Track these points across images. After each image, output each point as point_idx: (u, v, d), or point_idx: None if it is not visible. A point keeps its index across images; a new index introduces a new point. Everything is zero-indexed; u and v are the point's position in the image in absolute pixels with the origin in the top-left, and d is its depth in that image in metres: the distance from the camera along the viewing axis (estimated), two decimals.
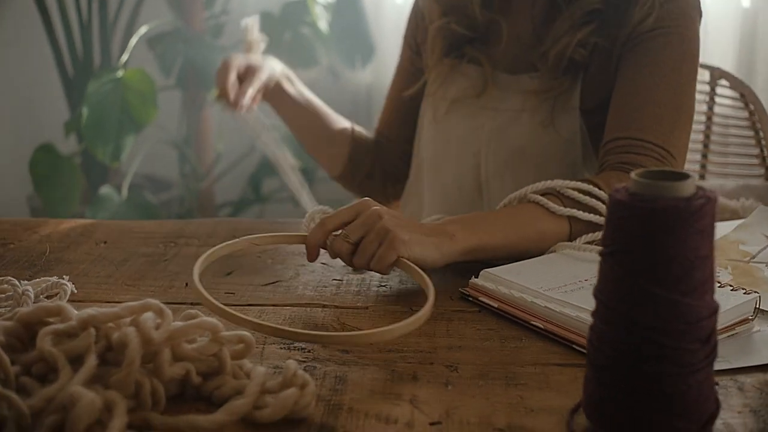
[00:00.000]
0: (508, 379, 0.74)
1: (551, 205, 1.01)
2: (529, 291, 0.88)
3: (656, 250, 0.60)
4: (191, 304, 0.92)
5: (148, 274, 1.02)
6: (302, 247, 1.00)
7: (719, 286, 0.86)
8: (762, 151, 1.69)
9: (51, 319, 0.71)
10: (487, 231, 0.98)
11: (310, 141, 1.49)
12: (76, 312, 0.70)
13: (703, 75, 1.76)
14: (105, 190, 2.53)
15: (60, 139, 2.71)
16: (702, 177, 1.75)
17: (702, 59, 2.44)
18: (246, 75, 1.33)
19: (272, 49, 2.93)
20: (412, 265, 0.91)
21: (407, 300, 0.94)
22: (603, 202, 1.01)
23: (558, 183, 1.03)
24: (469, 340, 0.83)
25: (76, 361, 0.66)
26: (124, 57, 2.61)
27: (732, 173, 1.73)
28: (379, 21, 3.04)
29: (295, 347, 0.81)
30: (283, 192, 2.88)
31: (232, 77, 1.31)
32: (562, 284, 0.89)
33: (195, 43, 2.81)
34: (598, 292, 0.64)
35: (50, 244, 1.13)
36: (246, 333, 0.72)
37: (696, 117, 1.76)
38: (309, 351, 0.80)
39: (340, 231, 0.95)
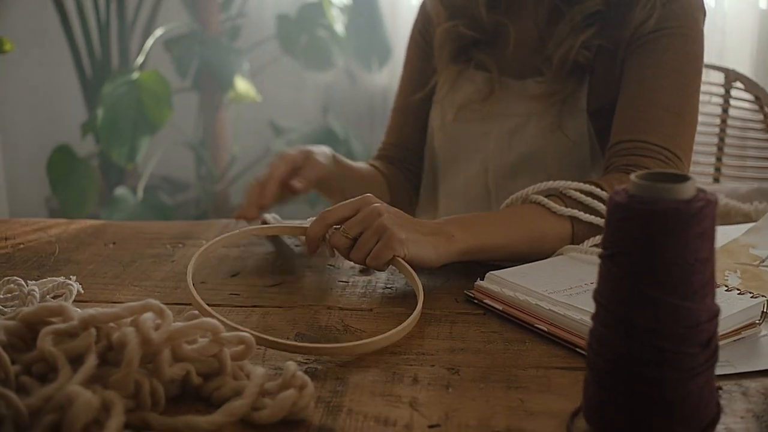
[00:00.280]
0: (510, 382, 0.74)
1: (553, 205, 1.01)
2: (534, 294, 0.87)
3: (656, 253, 0.59)
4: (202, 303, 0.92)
5: (154, 275, 1.02)
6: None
7: (726, 290, 0.86)
8: None
9: (53, 319, 0.72)
10: (487, 231, 0.98)
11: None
12: (78, 312, 0.71)
13: (718, 77, 1.75)
14: (120, 191, 2.55)
15: (78, 140, 2.73)
16: (716, 180, 1.73)
17: (719, 61, 2.43)
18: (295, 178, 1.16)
19: (289, 52, 2.97)
20: (407, 265, 0.92)
21: (412, 302, 0.93)
22: (605, 203, 1.01)
23: (560, 184, 1.03)
24: (472, 343, 0.82)
25: (77, 360, 0.66)
26: (140, 59, 2.63)
27: (747, 176, 1.72)
28: (396, 23, 3.04)
29: None
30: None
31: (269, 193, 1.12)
32: (567, 287, 0.88)
33: (211, 45, 2.83)
34: (598, 295, 0.64)
35: (59, 244, 1.14)
36: (246, 334, 0.72)
37: (710, 119, 1.76)
38: None
39: (340, 226, 0.96)
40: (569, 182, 1.04)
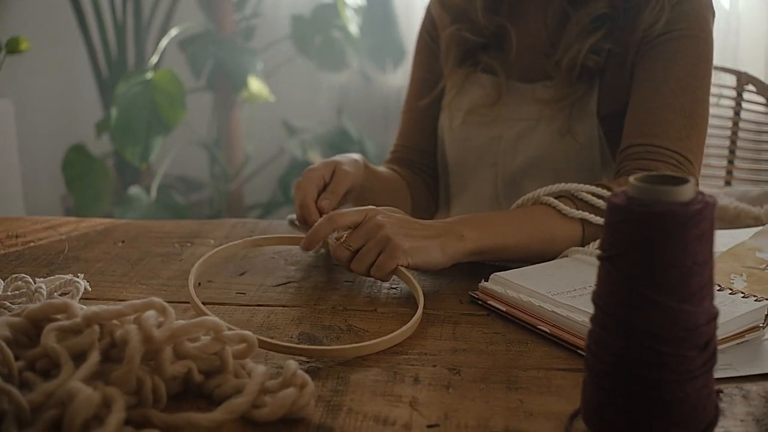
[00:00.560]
0: (510, 382, 0.74)
1: (563, 207, 1.01)
2: (538, 295, 0.88)
3: (654, 255, 0.59)
4: (202, 303, 0.93)
5: (162, 274, 1.03)
6: None
7: (730, 293, 0.86)
8: None
9: (58, 316, 0.72)
10: (497, 232, 0.98)
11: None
12: (82, 309, 0.71)
13: (730, 80, 1.74)
14: (134, 190, 2.56)
15: (94, 139, 2.75)
16: (728, 183, 1.73)
17: (733, 63, 2.41)
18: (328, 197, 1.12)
19: (303, 52, 2.97)
20: (409, 275, 0.93)
21: (416, 302, 0.93)
22: None
23: (572, 186, 1.03)
24: (474, 343, 0.82)
25: (80, 357, 0.67)
26: (154, 59, 2.64)
27: (759, 179, 1.71)
28: (410, 23, 3.05)
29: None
30: None
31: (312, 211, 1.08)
32: (571, 289, 0.88)
33: (225, 45, 2.84)
34: (597, 297, 0.64)
35: (69, 242, 1.15)
36: (248, 333, 0.73)
37: (722, 122, 1.75)
38: None
39: (344, 234, 0.97)
40: (580, 184, 1.04)
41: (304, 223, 1.06)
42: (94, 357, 0.66)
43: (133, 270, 1.04)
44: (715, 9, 1.18)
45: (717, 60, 2.25)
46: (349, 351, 0.79)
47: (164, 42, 2.74)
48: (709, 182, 1.75)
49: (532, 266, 0.97)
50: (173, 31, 2.81)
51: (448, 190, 1.37)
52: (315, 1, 3.06)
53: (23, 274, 0.91)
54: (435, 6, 1.34)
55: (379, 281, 0.99)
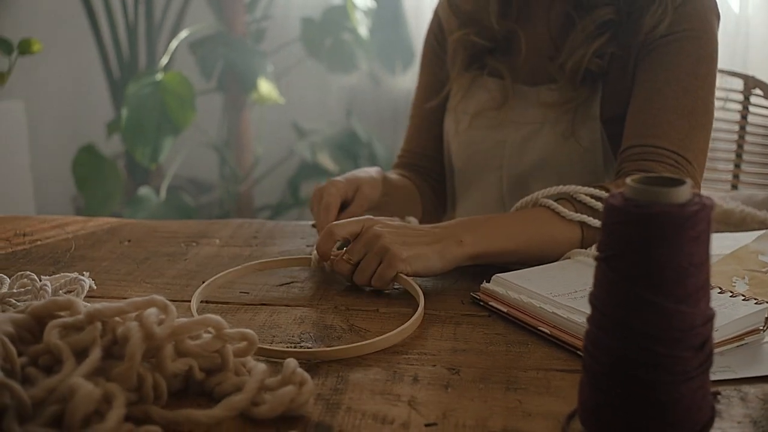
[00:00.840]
0: (509, 383, 0.75)
1: (563, 210, 1.01)
2: (538, 296, 0.88)
3: (650, 256, 0.60)
4: (205, 302, 0.94)
5: (167, 273, 1.04)
6: None
7: (731, 296, 0.86)
8: None
9: (61, 313, 0.73)
10: (496, 235, 0.98)
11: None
12: (85, 306, 0.72)
13: (737, 83, 1.74)
14: (143, 191, 2.58)
15: (105, 140, 2.77)
16: (734, 187, 1.72)
17: (743, 67, 2.40)
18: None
19: (313, 54, 2.98)
20: (410, 280, 0.95)
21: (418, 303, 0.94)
22: None
23: (571, 188, 1.03)
24: (475, 344, 0.83)
25: (83, 353, 0.68)
26: (164, 60, 2.66)
27: (766, 183, 1.70)
28: (419, 26, 3.05)
29: (302, 345, 0.82)
30: None
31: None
32: (572, 290, 0.89)
33: (236, 47, 2.85)
34: (594, 298, 0.64)
35: (76, 241, 1.16)
36: (249, 331, 0.73)
37: (729, 126, 1.75)
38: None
39: (344, 250, 0.98)
40: (579, 187, 1.04)
41: None
42: (95, 353, 0.67)
43: (138, 269, 1.05)
44: (723, 12, 1.18)
45: (726, 64, 2.24)
46: (339, 352, 0.80)
47: (174, 43, 2.75)
48: (715, 186, 1.75)
49: (533, 268, 0.97)
50: (184, 33, 2.83)
51: (453, 193, 1.38)
52: (325, 4, 3.08)
53: (29, 272, 0.92)
54: (443, 10, 1.34)
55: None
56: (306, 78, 3.16)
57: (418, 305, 0.89)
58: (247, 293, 0.97)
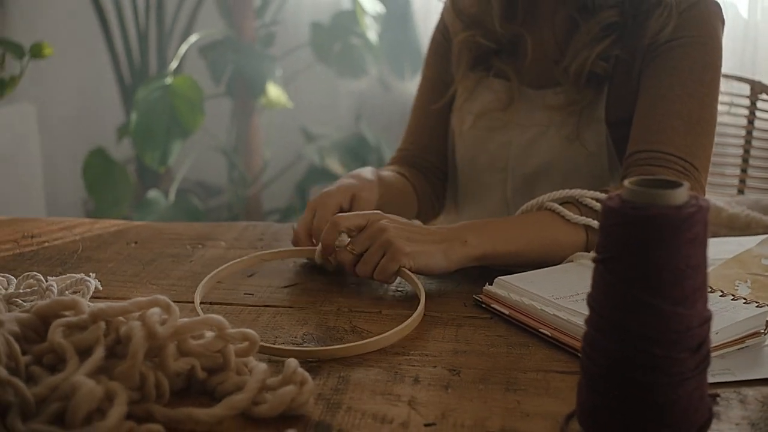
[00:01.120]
0: (509, 384, 0.75)
1: (567, 213, 1.02)
2: (540, 299, 0.88)
3: (648, 258, 0.60)
4: (209, 303, 0.95)
5: (173, 274, 1.05)
6: None
7: (732, 299, 0.86)
8: None
9: (66, 313, 0.74)
10: (501, 238, 0.99)
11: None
12: (89, 306, 0.73)
13: (744, 89, 1.74)
14: (152, 194, 2.59)
15: (116, 143, 2.79)
16: (740, 191, 1.72)
17: (751, 72, 2.40)
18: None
19: (322, 59, 2.99)
20: (412, 275, 0.95)
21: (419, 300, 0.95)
22: None
23: (576, 192, 1.04)
24: (476, 345, 0.83)
25: (86, 352, 0.69)
26: (174, 64, 2.67)
27: None
28: (428, 31, 3.03)
29: (305, 346, 0.83)
30: None
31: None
32: (574, 293, 0.89)
33: (245, 52, 2.86)
34: (591, 300, 0.64)
35: (83, 243, 1.17)
36: (250, 331, 0.74)
37: (735, 131, 1.75)
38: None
39: (348, 240, 0.98)
40: (584, 190, 1.04)
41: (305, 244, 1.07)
42: (99, 352, 0.68)
43: (144, 270, 1.06)
44: (731, 18, 1.18)
45: (734, 69, 2.24)
46: (340, 351, 0.80)
47: (184, 48, 2.77)
48: (721, 191, 1.75)
49: (536, 270, 0.97)
50: (193, 38, 2.84)
51: (457, 193, 1.38)
52: (334, 9, 3.09)
53: (35, 273, 0.93)
54: (448, 13, 1.35)
55: (385, 284, 1.00)
56: (315, 82, 3.17)
57: (420, 300, 0.90)
58: (252, 294, 0.98)
